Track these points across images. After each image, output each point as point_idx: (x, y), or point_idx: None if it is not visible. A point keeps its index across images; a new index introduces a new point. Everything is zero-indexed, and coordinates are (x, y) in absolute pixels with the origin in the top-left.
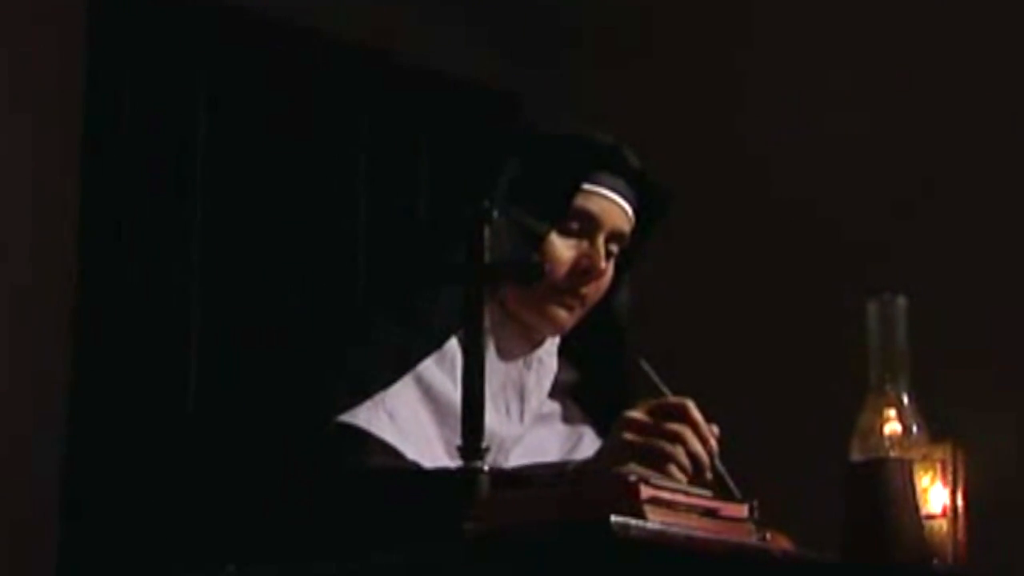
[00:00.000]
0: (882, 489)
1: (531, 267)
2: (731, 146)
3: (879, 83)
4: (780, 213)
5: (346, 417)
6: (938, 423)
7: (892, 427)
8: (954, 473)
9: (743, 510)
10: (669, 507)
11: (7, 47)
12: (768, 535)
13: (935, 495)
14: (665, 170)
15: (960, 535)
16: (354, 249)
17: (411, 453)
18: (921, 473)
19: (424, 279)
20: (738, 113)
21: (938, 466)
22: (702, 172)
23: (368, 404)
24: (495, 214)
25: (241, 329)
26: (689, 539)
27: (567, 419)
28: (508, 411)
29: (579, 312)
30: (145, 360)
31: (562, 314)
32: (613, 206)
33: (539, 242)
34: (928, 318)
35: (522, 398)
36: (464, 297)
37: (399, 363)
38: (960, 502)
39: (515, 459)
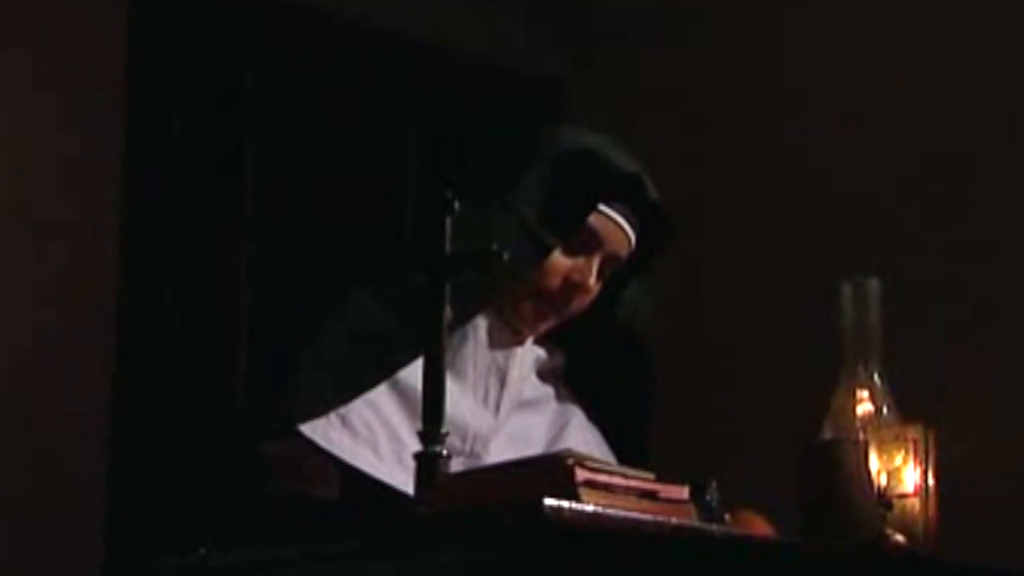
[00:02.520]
0: (836, 470)
1: (491, 256)
2: (770, 135)
3: (917, 76)
4: (810, 201)
5: (304, 423)
6: (911, 403)
7: (864, 408)
8: (926, 453)
9: (683, 491)
10: (606, 489)
11: (51, 46)
12: (728, 516)
13: (907, 475)
14: (703, 157)
15: (931, 514)
16: (403, 243)
17: (362, 453)
18: (894, 452)
19: (388, 268)
20: (777, 102)
21: (911, 446)
22: (742, 161)
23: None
24: (456, 205)
25: (290, 330)
26: (624, 520)
27: (556, 403)
28: (486, 398)
29: (554, 321)
30: (191, 364)
31: (540, 324)
32: (618, 231)
33: (546, 253)
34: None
35: (503, 384)
36: (427, 286)
37: (376, 357)
38: (932, 481)
39: (497, 447)
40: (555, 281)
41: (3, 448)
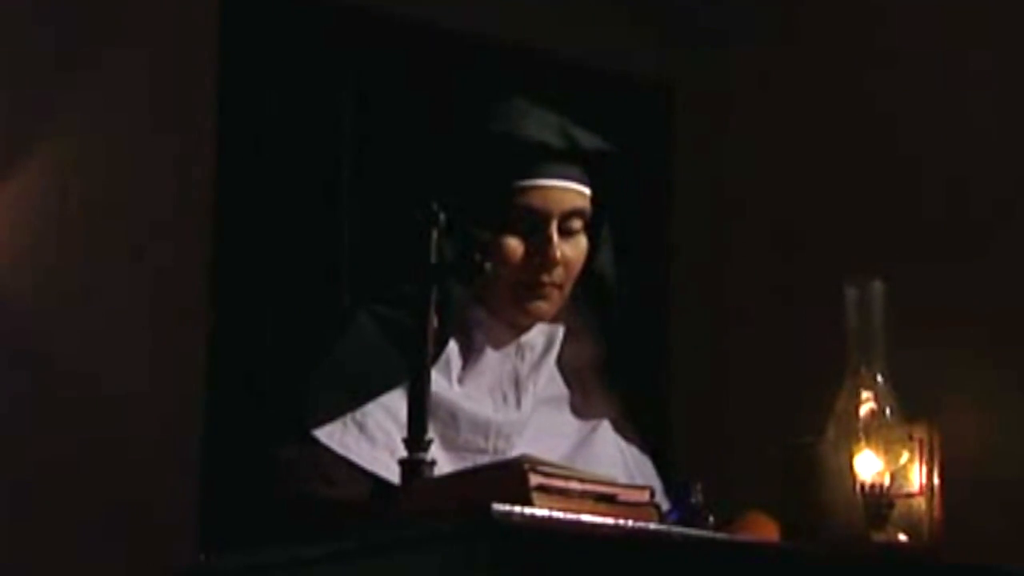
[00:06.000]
0: (811, 469)
1: (471, 265)
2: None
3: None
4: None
5: (319, 430)
6: (916, 403)
7: (868, 408)
8: (931, 452)
9: (644, 495)
10: (561, 494)
11: (143, 46)
12: (712, 519)
13: (913, 474)
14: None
15: (936, 513)
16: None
17: (380, 457)
18: (899, 452)
19: (378, 280)
20: (878, 96)
21: (916, 445)
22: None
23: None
24: (441, 217)
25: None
26: (576, 524)
27: (583, 402)
28: (505, 398)
29: (558, 296)
30: (285, 364)
31: (540, 305)
32: (555, 192)
33: (488, 247)
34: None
35: (518, 386)
36: (415, 297)
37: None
38: (937, 481)
39: (525, 443)
40: (519, 264)
41: (99, 444)
